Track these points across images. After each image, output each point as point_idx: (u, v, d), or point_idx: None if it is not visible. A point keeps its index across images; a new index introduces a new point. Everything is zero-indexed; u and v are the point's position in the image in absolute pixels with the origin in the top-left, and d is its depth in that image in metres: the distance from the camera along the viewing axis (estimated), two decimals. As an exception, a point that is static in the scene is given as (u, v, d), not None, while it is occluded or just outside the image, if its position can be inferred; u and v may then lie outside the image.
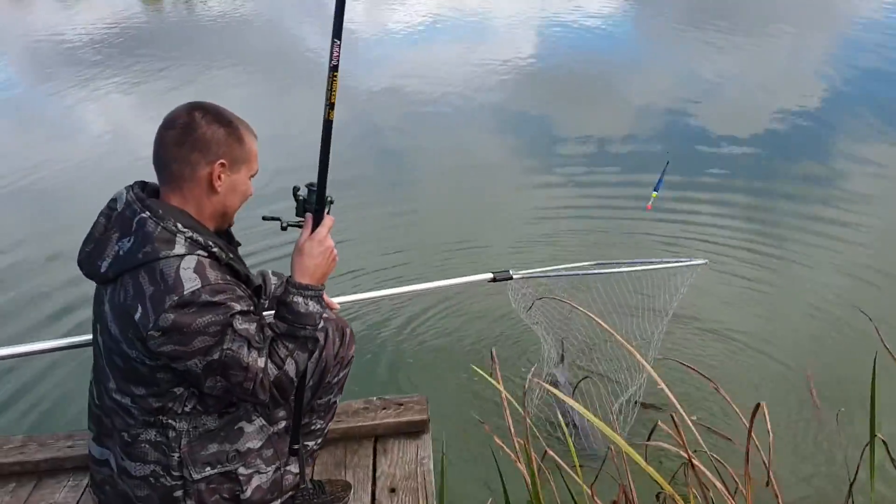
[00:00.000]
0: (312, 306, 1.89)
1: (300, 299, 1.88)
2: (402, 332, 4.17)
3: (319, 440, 2.31)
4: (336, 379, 2.24)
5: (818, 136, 7.25)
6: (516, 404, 1.78)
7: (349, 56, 10.19)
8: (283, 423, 2.08)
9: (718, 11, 12.72)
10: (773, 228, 5.34)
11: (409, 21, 12.69)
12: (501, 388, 1.88)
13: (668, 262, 3.23)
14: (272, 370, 1.82)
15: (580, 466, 1.97)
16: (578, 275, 3.15)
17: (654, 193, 3.02)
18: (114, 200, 1.86)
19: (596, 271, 3.19)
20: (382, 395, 2.91)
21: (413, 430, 2.71)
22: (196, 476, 1.90)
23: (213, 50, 10.92)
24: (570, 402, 1.74)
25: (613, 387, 3.43)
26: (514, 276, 2.82)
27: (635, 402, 3.29)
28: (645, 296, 3.57)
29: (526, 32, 11.80)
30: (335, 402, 2.30)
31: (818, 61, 9.92)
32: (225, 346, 1.75)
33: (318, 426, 2.27)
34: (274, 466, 2.04)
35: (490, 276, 2.78)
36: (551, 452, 2.00)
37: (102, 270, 1.79)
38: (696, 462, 1.72)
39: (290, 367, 1.86)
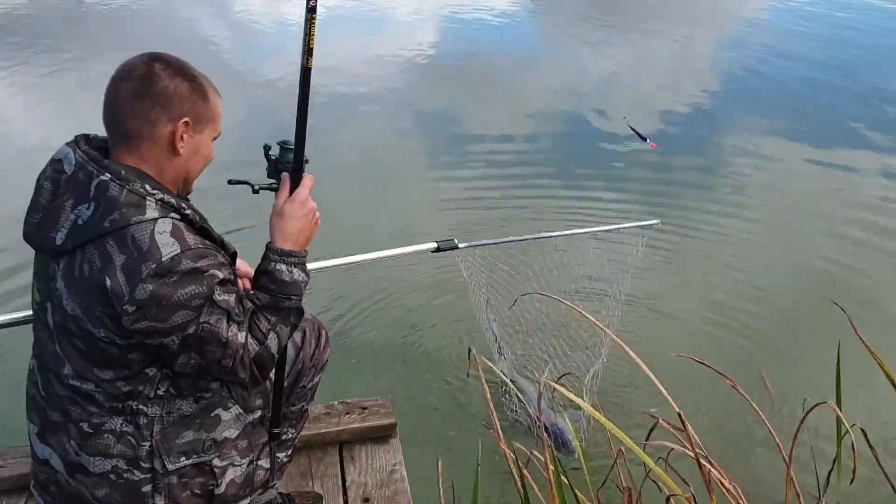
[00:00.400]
0: (297, 274, 1.72)
1: (283, 267, 1.70)
2: (343, 325, 3.94)
3: (289, 451, 2.15)
4: (311, 384, 2.09)
5: (710, 127, 7.34)
6: (530, 408, 1.68)
7: (246, 48, 9.86)
8: (258, 413, 1.89)
9: (612, 9, 12.94)
10: (676, 212, 5.34)
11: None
12: (495, 389, 1.78)
13: (620, 225, 3.19)
14: (253, 346, 1.64)
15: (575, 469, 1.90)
16: (527, 239, 3.03)
17: (649, 142, 3.00)
18: (58, 161, 1.61)
19: (547, 234, 3.08)
20: (337, 396, 2.78)
21: (380, 435, 2.58)
22: (170, 466, 1.69)
23: (105, 40, 10.27)
24: (588, 409, 1.66)
25: (567, 377, 3.35)
26: (460, 246, 2.66)
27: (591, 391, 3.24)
28: (594, 280, 3.57)
29: (426, 26, 11.64)
30: (307, 409, 2.15)
31: (707, 56, 10.23)
32: (202, 320, 1.56)
33: (290, 435, 2.12)
34: (248, 459, 1.83)
35: (434, 245, 2.60)
36: (536, 455, 1.92)
37: (58, 243, 1.55)
38: (703, 463, 1.67)
39: (273, 343, 1.68)
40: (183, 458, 1.71)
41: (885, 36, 11.26)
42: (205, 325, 1.56)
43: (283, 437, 2.10)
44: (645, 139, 3.07)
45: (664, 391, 1.70)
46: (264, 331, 1.66)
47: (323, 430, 2.55)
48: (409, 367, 3.61)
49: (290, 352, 1.99)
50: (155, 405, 1.67)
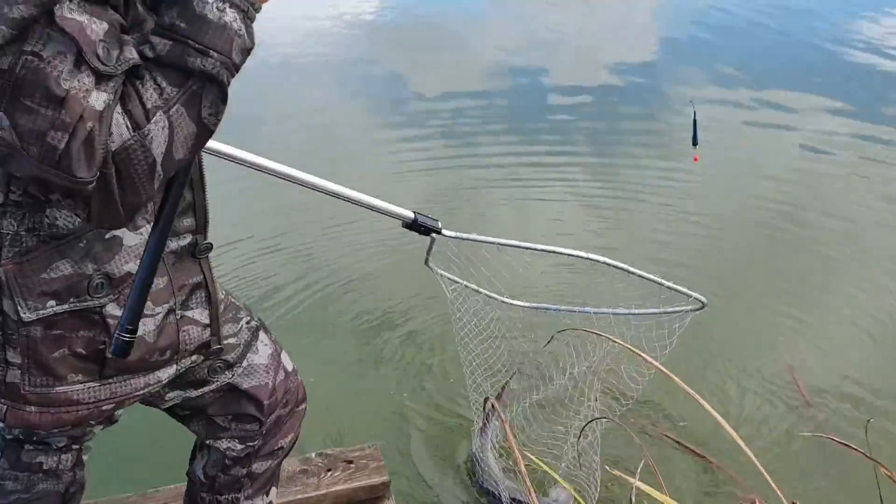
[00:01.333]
0: (230, 16, 1.00)
1: None
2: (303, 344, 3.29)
3: None
4: (243, 470, 1.54)
5: (656, 77, 7.34)
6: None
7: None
8: (187, 238, 1.26)
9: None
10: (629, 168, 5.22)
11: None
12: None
13: (664, 309, 2.36)
14: (121, 127, 0.94)
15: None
16: (535, 249, 2.51)
17: (696, 147, 2.61)
18: None
19: (563, 251, 2.46)
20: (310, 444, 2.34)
21: (371, 497, 2.14)
22: (26, 315, 1.11)
23: None
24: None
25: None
26: (445, 233, 2.02)
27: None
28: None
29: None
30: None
31: (650, 14, 10.17)
32: (27, 48, 0.88)
33: None
34: (167, 307, 1.24)
35: (411, 215, 1.94)
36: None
37: None
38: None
39: (158, 134, 0.96)
40: (52, 303, 1.12)
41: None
42: (29, 58, 0.88)
43: None
44: (696, 143, 2.67)
45: (770, 480, 1.29)
46: (148, 106, 0.96)
47: (300, 496, 2.09)
48: (395, 407, 3.01)
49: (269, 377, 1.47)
50: (9, 216, 1.08)
